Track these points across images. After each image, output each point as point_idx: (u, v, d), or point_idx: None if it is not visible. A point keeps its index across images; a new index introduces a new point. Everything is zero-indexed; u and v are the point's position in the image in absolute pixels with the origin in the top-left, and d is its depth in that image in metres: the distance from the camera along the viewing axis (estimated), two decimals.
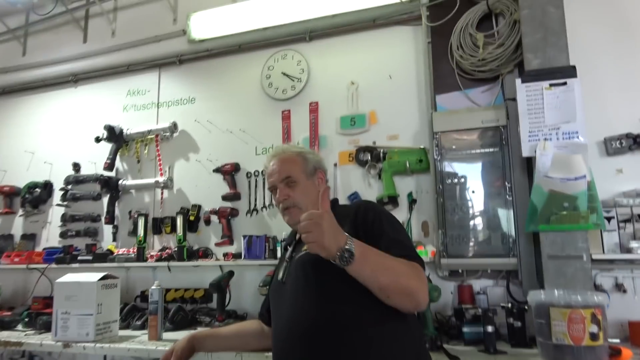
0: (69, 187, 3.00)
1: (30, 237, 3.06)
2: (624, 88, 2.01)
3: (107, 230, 2.87)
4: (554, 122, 1.78)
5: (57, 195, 3.03)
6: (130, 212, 2.81)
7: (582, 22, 2.04)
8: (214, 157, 2.72)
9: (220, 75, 2.83)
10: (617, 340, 1.61)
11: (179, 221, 2.52)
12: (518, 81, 1.89)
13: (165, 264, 2.47)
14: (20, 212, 3.10)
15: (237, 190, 2.62)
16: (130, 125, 2.91)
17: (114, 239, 2.84)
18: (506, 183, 2.00)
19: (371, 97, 2.47)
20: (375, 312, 1.21)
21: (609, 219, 1.80)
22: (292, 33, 2.67)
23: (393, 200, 2.23)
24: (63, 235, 2.93)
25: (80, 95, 3.19)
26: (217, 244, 2.60)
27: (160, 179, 2.77)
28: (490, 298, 1.97)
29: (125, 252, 2.61)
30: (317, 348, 1.22)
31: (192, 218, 2.63)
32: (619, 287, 1.83)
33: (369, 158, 2.34)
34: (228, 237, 2.56)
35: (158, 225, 2.72)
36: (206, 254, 2.54)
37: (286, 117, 2.62)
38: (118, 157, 2.92)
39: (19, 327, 2.32)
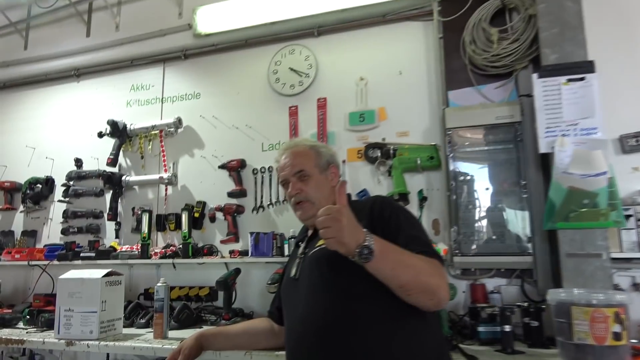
0: (71, 183, 2.94)
1: (31, 234, 3.00)
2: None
3: (110, 227, 2.82)
4: (572, 118, 1.75)
5: (58, 191, 2.97)
6: (133, 208, 2.76)
7: (596, 17, 1.99)
8: (219, 153, 2.68)
9: (226, 70, 2.79)
10: (635, 341, 1.58)
11: (184, 217, 2.47)
12: (534, 76, 1.86)
13: (170, 261, 2.42)
14: (21, 208, 3.05)
15: (243, 187, 2.57)
16: (134, 120, 2.86)
17: (117, 236, 2.79)
18: (521, 180, 1.96)
19: (381, 93, 2.43)
20: (394, 310, 1.18)
21: (626, 217, 1.76)
22: (300, 28, 2.62)
23: (404, 197, 2.19)
24: (65, 231, 2.88)
25: (82, 90, 3.13)
26: (222, 242, 2.55)
27: (165, 175, 2.72)
28: (503, 297, 1.93)
29: (128, 249, 2.56)
30: (333, 346, 1.19)
31: (196, 215, 2.58)
32: (637, 287, 1.80)
33: (379, 155, 2.30)
34: (234, 234, 2.52)
35: (162, 222, 2.67)
36: (211, 251, 2.49)
37: (293, 112, 2.57)
38: (121, 153, 2.87)
39: (20, 324, 2.27)
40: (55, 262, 2.63)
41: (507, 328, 1.58)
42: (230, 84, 2.76)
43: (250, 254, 2.31)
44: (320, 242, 1.35)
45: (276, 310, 1.58)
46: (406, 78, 2.39)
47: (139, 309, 2.29)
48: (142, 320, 2.18)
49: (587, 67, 1.79)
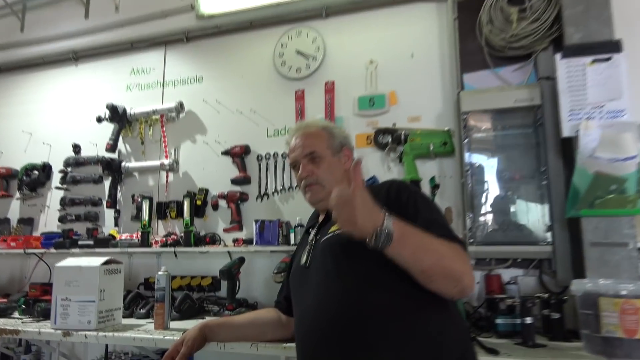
0: (69, 169, 2.85)
1: (27, 222, 2.92)
2: None
3: (109, 214, 2.74)
4: (598, 100, 1.65)
5: (56, 178, 2.88)
6: (133, 195, 2.67)
7: None
8: (222, 138, 2.59)
9: (230, 53, 2.68)
10: None
11: (186, 205, 2.38)
12: (557, 57, 1.76)
13: (171, 249, 2.34)
14: (17, 195, 2.96)
15: (247, 174, 2.48)
16: (134, 105, 2.76)
17: (116, 224, 2.70)
18: (540, 166, 1.87)
19: (391, 76, 2.33)
20: (414, 300, 1.09)
21: None
22: (307, 9, 2.51)
23: (415, 184, 2.09)
24: (62, 219, 2.79)
25: (81, 74, 3.03)
26: (225, 230, 2.47)
27: (166, 162, 2.62)
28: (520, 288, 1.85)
29: (128, 238, 2.47)
30: (348, 337, 1.10)
31: (198, 203, 2.49)
32: None
33: (389, 140, 2.21)
34: (237, 222, 2.43)
35: (163, 210, 2.58)
36: (214, 240, 2.41)
37: (300, 97, 2.48)
38: (121, 138, 2.77)
39: (15, 314, 2.20)
40: (52, 250, 2.54)
41: (529, 320, 1.50)
42: (234, 68, 2.66)
43: (255, 242, 2.23)
44: (334, 227, 1.27)
45: (284, 300, 1.50)
46: (418, 61, 2.30)
47: (139, 299, 2.21)
48: (142, 311, 2.10)
49: (614, 46, 1.69)
